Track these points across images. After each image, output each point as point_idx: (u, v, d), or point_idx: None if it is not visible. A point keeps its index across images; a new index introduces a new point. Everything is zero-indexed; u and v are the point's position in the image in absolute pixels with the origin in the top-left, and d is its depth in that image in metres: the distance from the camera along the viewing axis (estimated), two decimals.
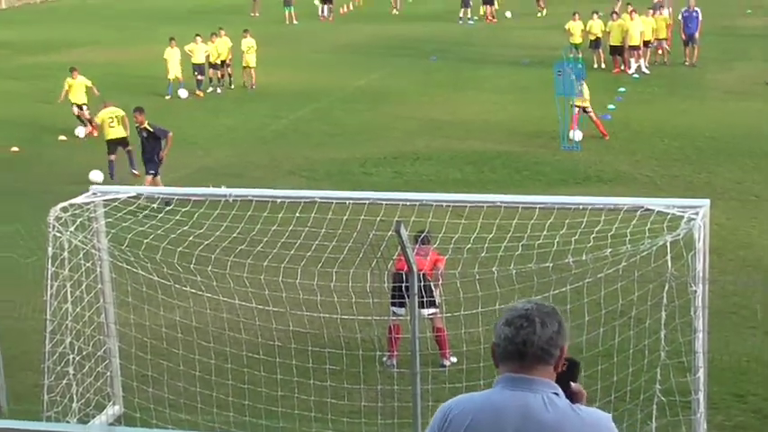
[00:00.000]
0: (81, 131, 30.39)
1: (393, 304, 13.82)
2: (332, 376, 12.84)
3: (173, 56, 36.00)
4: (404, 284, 12.85)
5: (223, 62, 37.35)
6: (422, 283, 12.69)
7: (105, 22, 58.63)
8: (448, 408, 4.88)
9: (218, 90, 36.81)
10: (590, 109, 27.63)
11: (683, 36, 39.14)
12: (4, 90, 38.44)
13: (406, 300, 12.95)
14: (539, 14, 56.34)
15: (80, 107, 30.68)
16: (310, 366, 12.85)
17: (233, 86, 37.33)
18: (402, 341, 13.96)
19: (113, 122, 25.38)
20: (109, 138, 25.33)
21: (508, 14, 56.07)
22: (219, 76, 37.35)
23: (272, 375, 12.85)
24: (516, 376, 4.72)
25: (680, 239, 10.86)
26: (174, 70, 35.92)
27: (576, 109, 27.32)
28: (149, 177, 22.71)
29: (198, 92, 36.26)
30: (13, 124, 31.92)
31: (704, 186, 22.67)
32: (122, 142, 25.41)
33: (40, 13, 66.98)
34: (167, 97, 35.53)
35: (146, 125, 22.93)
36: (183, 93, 35.79)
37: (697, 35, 38.93)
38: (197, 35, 37.32)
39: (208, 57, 36.70)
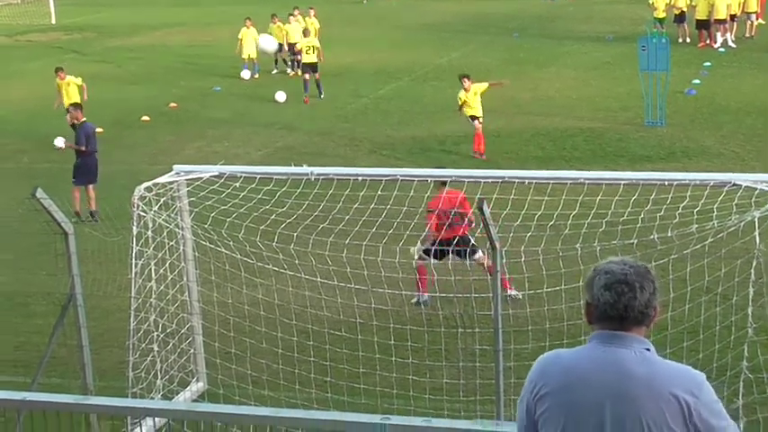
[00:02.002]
0: (60, 142, 25.93)
1: (428, 253, 14.38)
2: (413, 353, 12.83)
3: (248, 36, 36.05)
4: (448, 249, 13.62)
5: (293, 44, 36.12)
6: (463, 243, 13.76)
7: (186, 4, 59.14)
8: (544, 362, 5.04)
9: (290, 71, 36.68)
10: (481, 121, 24.66)
11: None
12: (89, 72, 38.89)
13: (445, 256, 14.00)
14: None
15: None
16: (392, 343, 12.84)
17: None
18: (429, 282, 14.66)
19: None
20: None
21: None
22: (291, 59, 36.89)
23: (354, 352, 12.87)
24: (611, 333, 4.87)
25: None
26: (249, 50, 35.90)
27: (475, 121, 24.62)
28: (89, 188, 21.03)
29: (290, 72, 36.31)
30: (98, 105, 32.30)
31: None
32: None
33: None
34: (246, 77, 35.68)
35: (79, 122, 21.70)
36: (245, 74, 35.77)
37: None
38: (273, 15, 37.41)
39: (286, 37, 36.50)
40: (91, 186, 21.04)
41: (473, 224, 14.35)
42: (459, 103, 24.86)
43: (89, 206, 20.64)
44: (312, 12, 37.94)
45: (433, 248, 14.09)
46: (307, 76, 32.57)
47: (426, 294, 14.86)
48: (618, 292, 4.82)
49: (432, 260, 14.48)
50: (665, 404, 4.74)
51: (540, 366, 5.01)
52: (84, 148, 21.10)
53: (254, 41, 35.38)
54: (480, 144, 24.35)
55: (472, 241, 14.52)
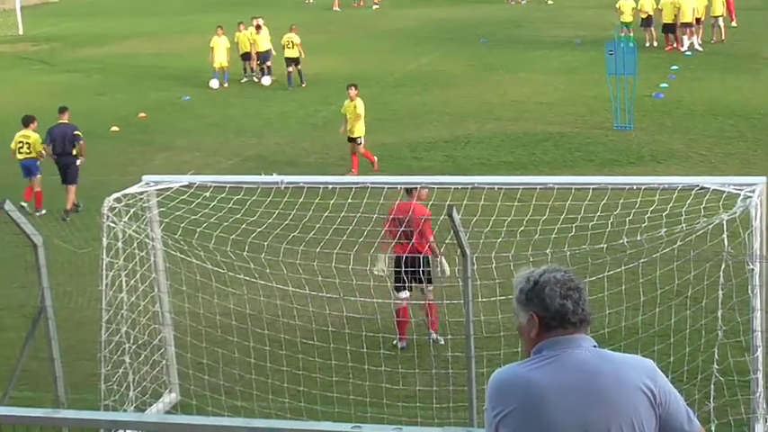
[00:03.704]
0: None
1: (397, 289, 14.00)
2: (386, 361, 12.84)
3: (219, 44, 35.98)
4: (404, 269, 13.43)
5: (266, 52, 36.50)
6: (422, 266, 13.38)
7: (155, 14, 58.99)
8: (499, 381, 4.95)
9: (255, 79, 36.60)
10: (360, 141, 23.92)
11: None
12: (58, 82, 38.80)
13: (407, 283, 13.72)
14: None
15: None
16: (365, 351, 12.84)
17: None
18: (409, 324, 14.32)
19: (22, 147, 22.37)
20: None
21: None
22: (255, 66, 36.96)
23: (327, 361, 12.86)
24: (556, 340, 4.88)
25: (736, 218, 10.71)
26: (220, 58, 35.84)
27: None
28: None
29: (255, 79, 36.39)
30: None
31: (760, 163, 22.38)
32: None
33: (90, 6, 67.48)
34: (214, 86, 35.55)
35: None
36: (213, 83, 35.62)
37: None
38: (240, 23, 37.33)
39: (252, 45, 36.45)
40: (69, 187, 21.77)
41: (429, 242, 13.86)
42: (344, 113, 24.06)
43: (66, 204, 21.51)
44: (262, 21, 37.76)
45: (400, 279, 13.76)
46: (290, 69, 34.90)
47: (404, 342, 14.18)
48: (575, 299, 4.87)
49: (403, 293, 14.04)
50: (635, 397, 4.79)
51: (496, 386, 4.92)
52: (49, 151, 22.01)
53: (225, 50, 35.61)
54: (355, 167, 23.44)
55: (430, 267, 13.97)
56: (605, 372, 4.81)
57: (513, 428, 4.84)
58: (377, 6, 55.88)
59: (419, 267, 13.36)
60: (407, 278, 13.53)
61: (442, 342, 13.92)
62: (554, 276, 4.91)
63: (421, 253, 13.58)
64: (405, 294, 14.01)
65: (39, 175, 22.21)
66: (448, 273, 13.86)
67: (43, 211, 21.82)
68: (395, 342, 14.14)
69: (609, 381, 4.79)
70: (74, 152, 22.03)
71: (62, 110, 22.73)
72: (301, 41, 35.76)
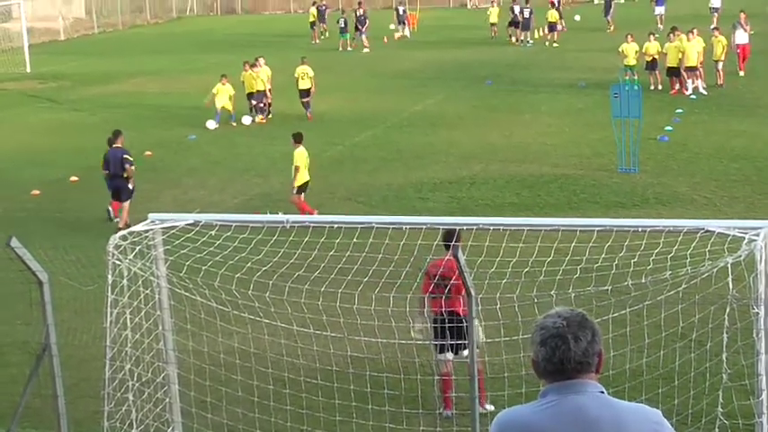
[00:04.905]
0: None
1: (439, 350, 13.41)
2: (390, 401, 12.81)
3: (223, 91, 35.94)
4: (445, 325, 12.74)
5: (261, 92, 36.74)
6: (458, 325, 12.64)
7: (161, 53, 59.30)
8: (502, 423, 4.99)
9: (255, 120, 36.65)
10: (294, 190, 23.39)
11: None
12: (64, 121, 38.99)
13: (447, 342, 12.95)
14: (607, 30, 56.73)
15: None
16: (368, 391, 12.82)
17: (271, 116, 37.05)
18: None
19: None
20: None
21: (577, 18, 57.03)
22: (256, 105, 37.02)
23: (331, 400, 12.84)
24: (562, 383, 4.89)
25: (741, 261, 10.70)
26: (222, 101, 35.87)
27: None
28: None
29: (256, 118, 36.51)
30: (72, 154, 32.35)
31: (765, 207, 22.40)
32: None
33: (97, 44, 67.93)
34: (211, 127, 35.51)
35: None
36: (210, 124, 35.59)
37: None
38: (246, 63, 37.39)
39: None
40: (123, 203, 23.70)
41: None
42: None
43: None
44: (263, 60, 37.96)
45: (436, 328, 13.12)
46: (304, 100, 36.73)
47: (450, 411, 13.53)
48: (552, 347, 4.87)
49: (447, 354, 13.36)
50: None
51: (497, 428, 4.96)
52: (105, 171, 24.20)
53: (228, 97, 35.77)
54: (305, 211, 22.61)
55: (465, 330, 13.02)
56: (605, 419, 4.79)
57: None
58: (367, 50, 56.02)
59: (460, 329, 12.70)
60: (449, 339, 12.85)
61: (492, 408, 13.01)
62: (544, 322, 4.96)
63: (463, 314, 12.86)
64: (449, 356, 13.29)
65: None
66: (483, 339, 13.15)
67: (117, 220, 23.74)
68: (444, 413, 13.50)
69: (608, 429, 4.77)
70: (124, 174, 23.76)
71: (116, 134, 24.56)
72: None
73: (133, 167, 24.06)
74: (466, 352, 13.09)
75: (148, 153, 31.62)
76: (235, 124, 35.85)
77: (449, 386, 13.54)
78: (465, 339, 12.96)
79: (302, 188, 23.28)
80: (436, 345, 13.38)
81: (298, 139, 23.44)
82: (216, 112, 35.80)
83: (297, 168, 23.13)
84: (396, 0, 72.47)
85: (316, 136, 33.24)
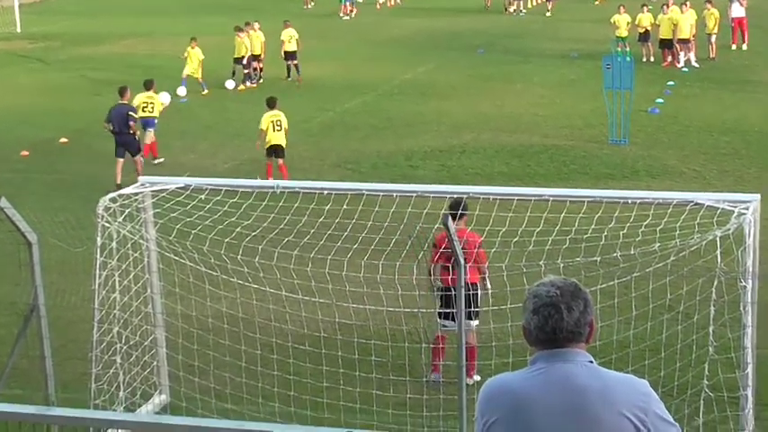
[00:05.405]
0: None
1: (441, 316, 13.39)
2: (377, 368, 12.86)
3: (193, 56, 35.65)
4: (452, 294, 12.55)
5: (256, 56, 37.17)
6: (469, 292, 12.48)
7: (151, 14, 59.00)
8: (489, 389, 5.03)
9: (241, 86, 36.54)
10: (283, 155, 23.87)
11: None
12: (54, 81, 38.80)
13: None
14: (595, 2, 56.66)
15: None
16: (356, 358, 12.85)
17: (262, 80, 37.04)
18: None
19: None
20: None
21: None
22: (252, 69, 37.16)
23: (318, 367, 12.88)
24: (551, 351, 4.92)
25: (730, 234, 10.75)
26: (190, 69, 35.49)
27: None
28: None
29: (242, 85, 36.37)
30: (62, 115, 32.23)
31: (754, 181, 22.43)
32: None
33: (87, 4, 67.47)
34: (204, 92, 35.39)
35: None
36: (181, 91, 35.15)
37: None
38: (236, 27, 37.27)
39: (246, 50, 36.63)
40: (136, 158, 24.03)
41: (483, 270, 13.27)
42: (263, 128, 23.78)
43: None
44: (257, 25, 38.03)
45: (443, 296, 13.11)
46: (289, 62, 37.18)
47: (439, 373, 13.50)
48: (545, 316, 4.89)
49: (447, 323, 13.18)
50: (620, 421, 4.77)
51: (486, 395, 5.00)
52: (108, 126, 24.30)
53: (198, 61, 35.47)
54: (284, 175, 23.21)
55: (476, 301, 13.19)
56: (593, 388, 4.81)
57: None
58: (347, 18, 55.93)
59: (469, 298, 12.51)
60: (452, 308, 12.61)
61: (479, 378, 13.04)
62: (538, 290, 4.99)
63: (471, 282, 12.86)
64: (450, 324, 13.05)
65: (153, 130, 26.14)
66: (490, 289, 13.24)
67: (161, 159, 25.95)
68: (432, 376, 13.49)
69: (595, 398, 4.79)
70: (130, 131, 23.99)
71: (122, 90, 24.61)
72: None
73: (136, 123, 24.42)
74: (474, 322, 13.19)
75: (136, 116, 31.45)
76: (206, 92, 35.51)
77: (442, 353, 13.55)
78: (476, 307, 13.09)
79: (270, 151, 23.69)
80: (440, 313, 13.39)
81: (270, 104, 24.05)
82: (182, 78, 35.46)
83: (261, 131, 23.73)
84: None
85: (306, 101, 33.21)
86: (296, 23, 39.88)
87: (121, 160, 23.84)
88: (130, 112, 24.29)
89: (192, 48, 35.72)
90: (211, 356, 13.01)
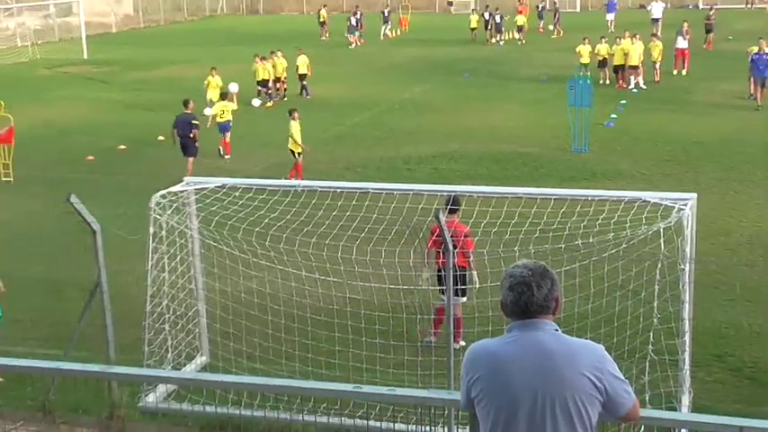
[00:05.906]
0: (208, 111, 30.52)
1: (441, 292, 13.35)
2: (380, 335, 12.85)
3: (213, 83, 34.27)
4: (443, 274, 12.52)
5: (279, 78, 37.43)
6: (457, 273, 12.35)
7: (199, 45, 58.92)
8: (473, 352, 5.10)
9: (270, 102, 36.45)
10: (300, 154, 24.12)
11: (753, 78, 33.39)
12: (114, 99, 38.78)
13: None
14: (553, 36, 56.75)
15: None
16: (363, 326, 12.85)
17: (286, 98, 36.92)
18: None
19: None
20: None
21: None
22: (276, 89, 37.38)
23: (331, 333, 12.87)
24: (524, 322, 4.97)
25: (671, 226, 10.75)
26: (211, 94, 33.78)
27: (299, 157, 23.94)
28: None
29: (268, 103, 36.30)
30: (121, 127, 32.22)
31: (691, 182, 22.40)
32: None
33: (143, 36, 67.45)
34: (256, 105, 35.32)
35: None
36: (207, 111, 34.36)
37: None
38: (256, 56, 37.28)
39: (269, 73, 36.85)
40: (188, 159, 24.25)
41: (468, 256, 13.09)
42: (292, 133, 23.94)
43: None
44: (280, 53, 38.11)
45: (442, 282, 12.95)
46: (303, 82, 37.86)
47: (434, 339, 13.50)
48: (519, 292, 4.95)
49: (443, 298, 12.88)
50: (581, 379, 4.81)
51: (470, 357, 5.06)
52: (174, 130, 24.63)
53: (218, 87, 33.93)
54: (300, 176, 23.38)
55: (467, 280, 13.14)
56: (559, 352, 4.84)
57: (480, 391, 4.97)
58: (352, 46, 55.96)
59: (457, 278, 12.29)
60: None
61: (464, 344, 13.03)
62: (513, 271, 5.06)
63: (460, 266, 12.82)
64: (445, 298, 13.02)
65: (229, 132, 27.23)
66: (477, 284, 13.16)
67: (228, 157, 26.73)
68: (426, 339, 13.49)
69: (561, 360, 4.82)
70: (190, 135, 24.22)
71: (186, 102, 24.99)
72: (313, 71, 37.78)
73: (198, 131, 24.46)
74: (464, 299, 13.17)
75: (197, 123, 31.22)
76: (270, 104, 35.67)
77: (441, 322, 13.51)
78: (465, 286, 13.06)
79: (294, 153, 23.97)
80: (439, 289, 13.37)
81: (292, 114, 24.46)
82: (207, 103, 34.82)
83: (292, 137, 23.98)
84: (383, 4, 71.13)
85: (322, 117, 33.17)
86: (311, 52, 39.89)
87: (192, 159, 24.08)
88: (194, 121, 24.46)
89: (213, 76, 34.75)
90: (243, 325, 13.00)
